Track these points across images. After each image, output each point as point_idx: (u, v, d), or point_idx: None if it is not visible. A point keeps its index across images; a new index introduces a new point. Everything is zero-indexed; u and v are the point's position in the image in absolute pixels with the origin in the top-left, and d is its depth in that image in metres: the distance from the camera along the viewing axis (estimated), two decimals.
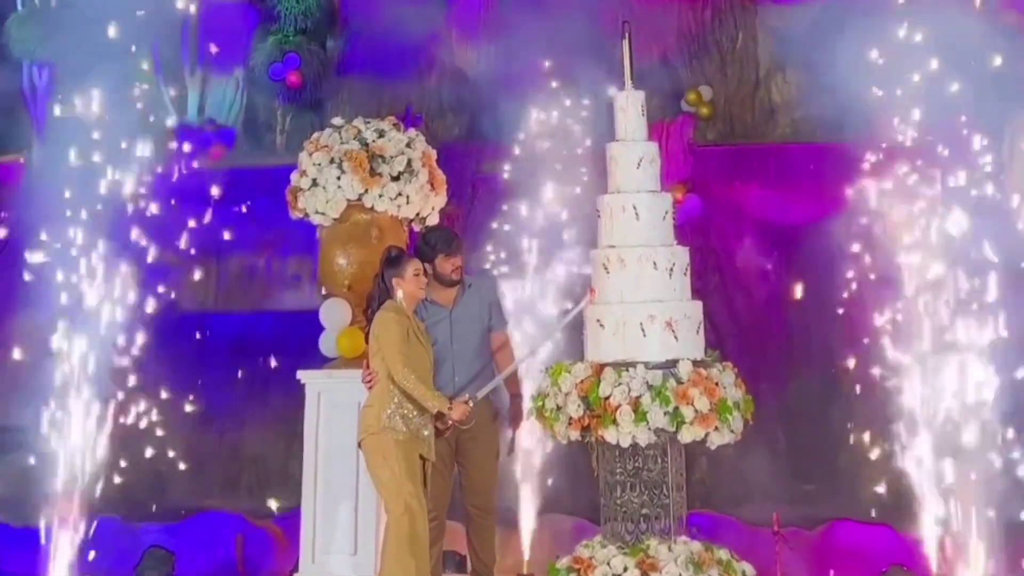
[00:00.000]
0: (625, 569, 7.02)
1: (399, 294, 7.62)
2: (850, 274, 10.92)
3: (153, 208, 12.13)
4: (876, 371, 10.22)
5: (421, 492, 7.49)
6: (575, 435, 7.18)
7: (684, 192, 11.71)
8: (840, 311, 11.04)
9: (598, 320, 7.27)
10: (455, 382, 7.85)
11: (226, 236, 12.59)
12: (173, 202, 12.50)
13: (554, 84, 12.32)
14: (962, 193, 9.87)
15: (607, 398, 7.04)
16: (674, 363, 7.09)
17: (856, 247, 10.86)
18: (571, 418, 7.15)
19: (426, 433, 7.55)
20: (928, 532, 9.16)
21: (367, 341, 7.76)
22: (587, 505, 9.58)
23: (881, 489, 10.42)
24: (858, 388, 10.71)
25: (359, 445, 7.64)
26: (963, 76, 10.07)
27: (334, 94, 13.65)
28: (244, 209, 12.58)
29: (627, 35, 7.41)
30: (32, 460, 10.02)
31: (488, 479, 8.15)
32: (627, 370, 7.06)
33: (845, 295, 11.00)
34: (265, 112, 13.94)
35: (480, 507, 8.13)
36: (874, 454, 10.63)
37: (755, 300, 11.87)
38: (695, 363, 7.13)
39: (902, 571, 8.86)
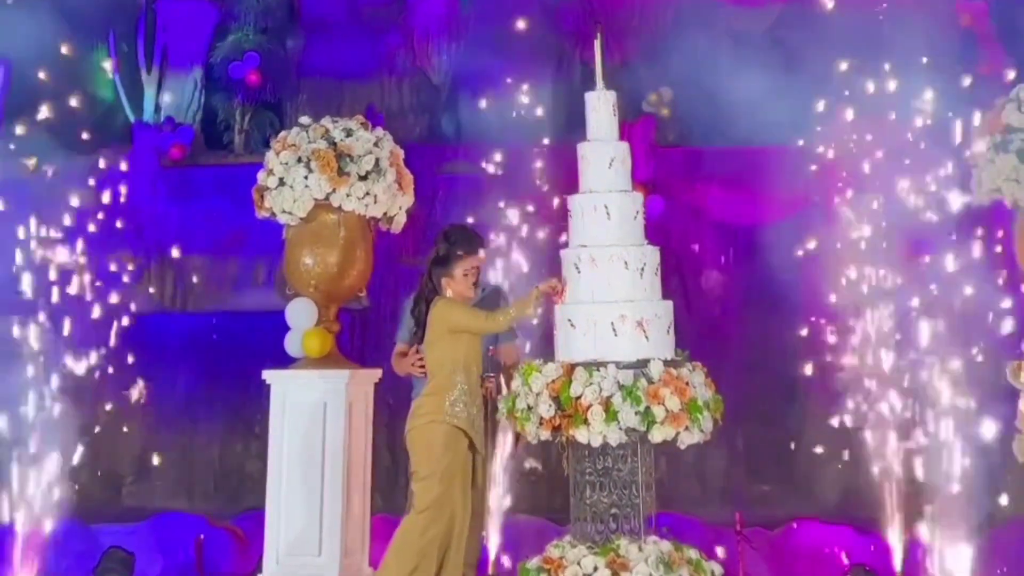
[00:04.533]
0: (595, 569, 6.97)
1: (448, 293, 7.58)
2: (810, 276, 10.94)
3: (110, 208, 12.02)
4: (836, 372, 10.30)
5: (466, 493, 7.48)
6: (546, 435, 7.14)
7: (646, 193, 11.69)
8: (799, 313, 11.07)
9: (569, 320, 7.23)
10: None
11: (184, 236, 12.49)
12: (130, 201, 12.40)
13: (515, 84, 12.33)
14: (922, 195, 9.98)
15: (578, 398, 7.00)
16: (645, 363, 7.06)
17: (815, 249, 10.91)
18: (542, 418, 7.10)
19: (480, 424, 7.51)
20: (889, 532, 9.23)
21: (336, 342, 7.66)
22: (549, 506, 9.61)
23: (842, 489, 10.50)
24: (818, 389, 10.77)
25: (407, 433, 7.54)
26: (923, 79, 10.18)
27: (294, 94, 13.60)
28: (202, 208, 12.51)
29: (599, 36, 7.42)
30: None
31: (486, 481, 8.14)
32: (598, 370, 7.03)
33: (804, 297, 11.02)
34: (224, 111, 13.85)
35: (477, 508, 8.06)
36: (835, 454, 10.70)
37: (714, 301, 11.88)
38: (666, 363, 7.13)
39: (864, 571, 8.87)
